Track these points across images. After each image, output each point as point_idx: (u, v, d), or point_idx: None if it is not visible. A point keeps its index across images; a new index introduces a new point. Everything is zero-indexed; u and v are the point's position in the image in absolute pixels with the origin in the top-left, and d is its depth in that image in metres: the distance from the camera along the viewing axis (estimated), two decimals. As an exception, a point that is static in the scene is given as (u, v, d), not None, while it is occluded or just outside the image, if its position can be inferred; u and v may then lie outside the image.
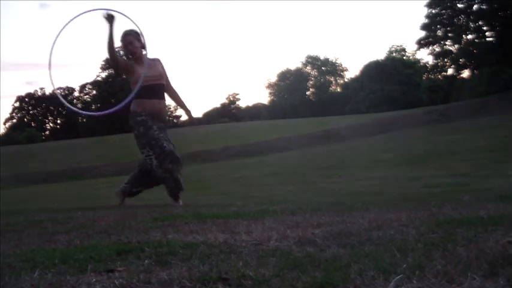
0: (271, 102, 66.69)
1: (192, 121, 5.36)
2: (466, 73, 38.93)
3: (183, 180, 4.83)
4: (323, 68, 64.52)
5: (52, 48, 4.74)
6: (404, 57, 56.89)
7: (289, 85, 63.76)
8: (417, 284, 1.35)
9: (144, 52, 4.76)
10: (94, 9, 4.62)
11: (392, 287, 1.34)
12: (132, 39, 4.69)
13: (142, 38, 4.75)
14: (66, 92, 62.73)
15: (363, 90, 51.44)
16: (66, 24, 4.68)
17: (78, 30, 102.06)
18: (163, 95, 4.84)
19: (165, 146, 4.63)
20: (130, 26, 4.72)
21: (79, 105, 64.05)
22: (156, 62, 4.84)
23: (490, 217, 2.39)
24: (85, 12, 4.70)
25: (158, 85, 4.74)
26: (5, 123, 65.26)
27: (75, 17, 4.71)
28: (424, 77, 49.39)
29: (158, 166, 4.64)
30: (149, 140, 4.63)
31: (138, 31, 4.73)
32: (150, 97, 4.67)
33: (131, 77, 4.70)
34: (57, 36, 4.66)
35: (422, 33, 37.18)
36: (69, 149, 32.39)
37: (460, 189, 5.07)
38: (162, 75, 4.80)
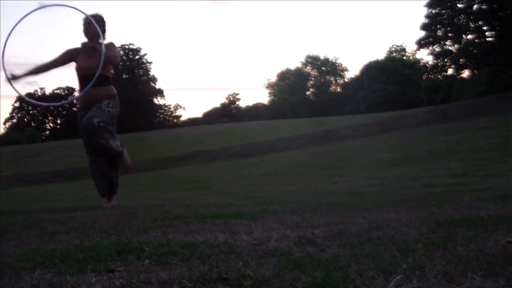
0: (271, 102, 66.74)
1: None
2: (466, 73, 38.93)
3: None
4: (323, 68, 64.56)
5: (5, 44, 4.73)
6: (404, 57, 56.93)
7: (289, 85, 63.81)
8: (417, 284, 1.35)
9: (100, 40, 4.71)
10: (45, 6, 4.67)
11: (392, 287, 1.34)
12: (92, 21, 4.67)
13: (101, 27, 4.74)
14: (66, 91, 62.74)
15: (363, 90, 51.47)
16: (19, 21, 4.63)
17: (80, 30, 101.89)
18: (101, 82, 4.65)
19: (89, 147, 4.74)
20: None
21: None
22: (103, 48, 4.67)
23: (490, 217, 2.39)
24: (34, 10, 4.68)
25: (95, 75, 4.56)
26: (5, 123, 65.32)
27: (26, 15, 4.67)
28: (424, 77, 49.39)
29: (89, 163, 4.88)
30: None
31: (103, 19, 4.79)
32: (84, 87, 4.64)
33: (75, 64, 4.78)
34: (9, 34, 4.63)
35: (422, 33, 37.20)
36: (69, 149, 32.38)
37: (460, 189, 5.06)
38: (104, 64, 4.59)
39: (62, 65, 4.84)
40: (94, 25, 4.65)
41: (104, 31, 4.80)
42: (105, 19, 4.84)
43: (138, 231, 2.58)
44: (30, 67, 4.75)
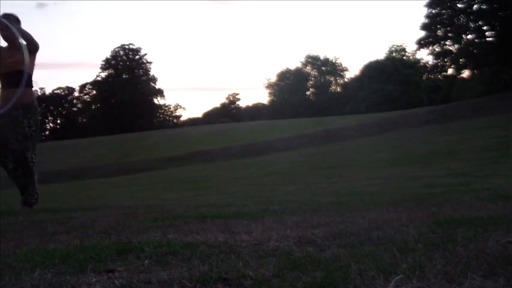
0: (271, 102, 66.69)
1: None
2: (466, 73, 38.99)
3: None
4: (323, 68, 64.51)
5: None
6: (404, 57, 56.89)
7: (289, 85, 63.77)
8: (417, 284, 1.35)
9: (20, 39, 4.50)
10: None
11: (392, 287, 1.34)
12: (8, 25, 4.41)
13: (17, 25, 4.54)
14: (66, 91, 62.75)
15: (363, 90, 51.43)
16: None
17: (79, 30, 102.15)
18: (22, 82, 4.25)
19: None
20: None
21: (79, 105, 64.12)
22: (19, 43, 4.47)
23: (490, 217, 2.39)
24: None
25: (16, 72, 4.38)
26: (5, 123, 65.15)
27: None
28: (424, 77, 49.39)
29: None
30: None
31: (18, 18, 4.59)
32: (8, 86, 4.42)
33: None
34: None
35: (422, 33, 37.27)
36: (69, 149, 32.39)
37: (460, 189, 5.06)
38: (19, 60, 4.36)
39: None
40: (12, 30, 4.36)
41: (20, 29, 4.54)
42: (19, 18, 4.59)
43: (138, 231, 2.58)
44: None
